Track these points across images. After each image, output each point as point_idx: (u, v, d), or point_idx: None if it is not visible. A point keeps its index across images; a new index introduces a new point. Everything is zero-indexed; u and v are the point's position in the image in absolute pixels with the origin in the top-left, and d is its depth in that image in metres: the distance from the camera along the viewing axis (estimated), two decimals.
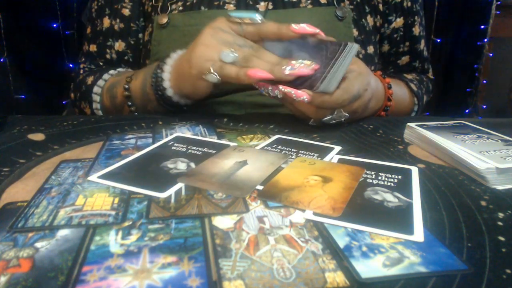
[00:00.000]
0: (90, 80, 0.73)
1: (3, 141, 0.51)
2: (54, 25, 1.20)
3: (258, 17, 0.56)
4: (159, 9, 0.73)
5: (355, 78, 0.55)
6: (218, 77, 0.54)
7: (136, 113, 0.67)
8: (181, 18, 0.71)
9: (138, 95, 0.65)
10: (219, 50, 0.55)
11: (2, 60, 1.19)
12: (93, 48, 0.79)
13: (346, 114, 0.55)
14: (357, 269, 0.28)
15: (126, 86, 0.66)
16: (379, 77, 0.68)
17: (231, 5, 0.71)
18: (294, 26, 0.54)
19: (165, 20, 0.71)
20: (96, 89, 0.71)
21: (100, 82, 0.72)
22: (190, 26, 0.70)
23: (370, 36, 0.77)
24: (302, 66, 0.52)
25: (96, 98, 0.71)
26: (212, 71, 0.54)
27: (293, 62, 0.53)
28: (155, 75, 0.62)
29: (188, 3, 0.72)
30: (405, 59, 0.84)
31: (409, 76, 0.84)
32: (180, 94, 0.61)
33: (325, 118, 0.55)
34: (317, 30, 0.55)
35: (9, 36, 1.18)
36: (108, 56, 0.78)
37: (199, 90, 0.59)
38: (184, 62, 0.58)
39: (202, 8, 0.71)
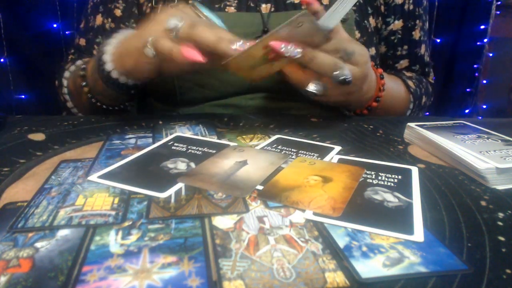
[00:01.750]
0: (67, 67, 0.74)
1: (3, 141, 0.51)
2: (54, 25, 1.20)
3: (216, 21, 0.54)
4: (158, 11, 0.72)
5: (358, 44, 0.55)
6: (153, 51, 0.51)
7: (91, 96, 0.65)
8: None
9: (90, 73, 0.64)
10: (166, 23, 0.51)
11: (2, 60, 1.19)
12: (82, 42, 0.79)
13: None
14: (357, 269, 0.28)
15: (84, 66, 0.65)
16: (372, 67, 0.67)
17: (232, 8, 0.71)
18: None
19: None
20: (66, 73, 0.71)
21: (72, 68, 0.72)
22: None
23: (372, 38, 0.76)
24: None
25: (65, 82, 0.71)
26: (148, 45, 0.51)
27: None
28: (100, 48, 0.60)
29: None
30: (403, 63, 0.82)
31: (408, 74, 0.82)
32: (121, 70, 0.58)
33: (310, 85, 0.52)
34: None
35: (9, 36, 1.18)
36: (95, 52, 0.77)
37: (141, 67, 0.56)
38: (132, 36, 0.57)
39: None
